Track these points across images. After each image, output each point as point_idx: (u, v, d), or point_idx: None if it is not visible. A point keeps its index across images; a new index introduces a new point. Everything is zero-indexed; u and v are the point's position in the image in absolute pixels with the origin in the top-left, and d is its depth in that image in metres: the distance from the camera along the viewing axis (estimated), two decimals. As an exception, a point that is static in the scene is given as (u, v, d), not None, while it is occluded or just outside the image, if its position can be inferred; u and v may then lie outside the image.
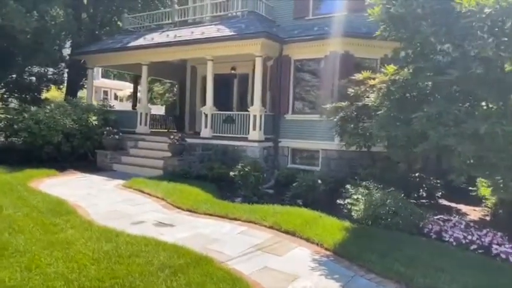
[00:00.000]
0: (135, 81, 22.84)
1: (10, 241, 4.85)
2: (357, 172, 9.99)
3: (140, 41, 13.69)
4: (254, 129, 11.33)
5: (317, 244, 5.91)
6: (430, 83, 6.68)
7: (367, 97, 8.26)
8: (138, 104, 15.17)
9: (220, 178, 10.38)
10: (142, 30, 15.09)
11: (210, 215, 7.36)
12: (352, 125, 8.33)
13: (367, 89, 8.49)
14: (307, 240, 6.06)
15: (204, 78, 16.16)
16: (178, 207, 7.78)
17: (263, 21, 12.39)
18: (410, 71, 6.98)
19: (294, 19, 12.97)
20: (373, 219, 6.74)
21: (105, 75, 39.19)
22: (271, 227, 6.66)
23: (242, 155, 11.44)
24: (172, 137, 11.13)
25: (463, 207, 8.80)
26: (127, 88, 45.60)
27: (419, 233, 6.41)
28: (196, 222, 6.87)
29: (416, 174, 9.46)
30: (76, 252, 4.70)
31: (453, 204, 9.02)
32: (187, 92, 16.71)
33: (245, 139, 11.52)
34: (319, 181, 8.42)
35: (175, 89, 28.69)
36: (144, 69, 13.85)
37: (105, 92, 39.20)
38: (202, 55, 12.23)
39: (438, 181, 9.33)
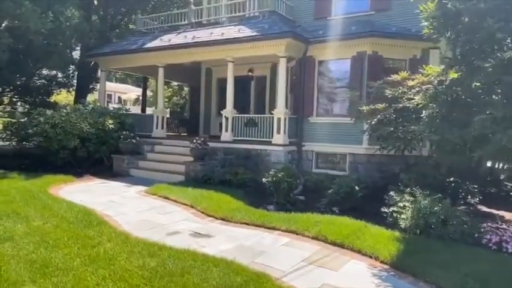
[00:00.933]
0: (145, 83, 22.56)
1: (48, 257, 4.42)
2: (387, 176, 9.59)
3: (156, 42, 13.31)
4: (278, 132, 10.92)
5: (370, 256, 5.49)
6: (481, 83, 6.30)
7: (407, 99, 7.85)
8: (153, 108, 14.74)
9: (244, 184, 9.98)
10: (157, 32, 14.70)
11: (246, 224, 6.93)
12: (391, 128, 7.90)
13: (406, 90, 8.07)
14: (359, 252, 5.64)
15: (220, 81, 15.88)
16: (211, 216, 7.36)
17: (285, 21, 12.02)
18: (460, 72, 6.57)
19: (314, 19, 12.61)
20: (422, 228, 6.32)
21: (107, 78, 38.86)
22: (315, 238, 6.23)
23: (265, 159, 11.04)
24: (195, 141, 10.71)
25: (506, 214, 8.38)
26: (131, 91, 45.25)
27: (476, 243, 5.98)
28: (234, 232, 6.44)
29: (451, 179, 9.05)
30: (122, 269, 4.27)
31: (494, 211, 8.59)
32: (202, 95, 16.34)
33: (268, 143, 11.10)
34: (357, 187, 7.98)
35: (183, 92, 28.36)
36: (160, 72, 13.46)
37: (109, 96, 38.79)
38: (223, 56, 11.84)
39: (475, 186, 8.92)
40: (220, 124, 15.90)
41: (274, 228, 6.68)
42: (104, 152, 12.17)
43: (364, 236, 6.15)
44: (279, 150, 10.86)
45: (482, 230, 6.18)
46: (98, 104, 14.53)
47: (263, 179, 8.35)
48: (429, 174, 8.39)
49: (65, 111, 11.42)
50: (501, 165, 6.06)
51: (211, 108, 16.03)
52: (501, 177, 9.61)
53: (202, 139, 10.76)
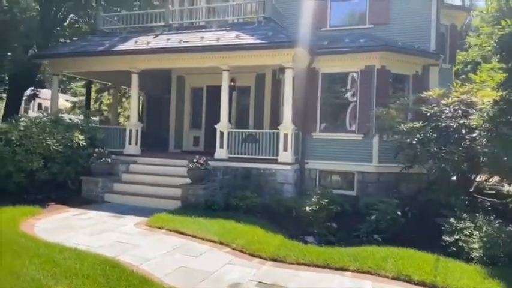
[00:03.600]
0: (88, 89, 19.94)
1: None
2: (401, 197, 9.14)
3: (130, 45, 11.46)
4: (285, 149, 9.92)
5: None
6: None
7: (448, 117, 7.49)
8: (127, 121, 12.68)
9: (254, 209, 8.81)
10: (125, 33, 12.74)
11: (305, 265, 5.82)
12: (435, 148, 7.42)
13: (443, 108, 7.71)
14: (458, 294, 4.92)
15: (195, 90, 14.42)
16: (256, 256, 6.08)
17: (282, 29, 11.15)
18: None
19: (308, 29, 11.89)
20: (500, 259, 5.85)
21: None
22: (396, 278, 5.40)
23: (270, 179, 9.99)
24: (195, 160, 9.20)
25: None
26: (60, 98, 40.30)
27: None
28: (304, 279, 5.30)
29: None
30: None
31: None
32: (173, 106, 14.64)
33: (273, 161, 10.04)
34: (399, 212, 7.34)
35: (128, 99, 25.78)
36: (135, 78, 11.61)
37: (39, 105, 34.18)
38: (217, 64, 10.53)
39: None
40: (195, 138, 14.57)
41: (342, 269, 5.70)
42: (68, 173, 9.97)
43: (450, 272, 5.46)
44: (286, 170, 9.86)
45: None
46: (44, 114, 11.88)
47: (306, 208, 7.25)
48: (455, 193, 8.09)
49: (23, 124, 9.06)
50: None
51: (184, 121, 14.39)
52: None
53: (204, 158, 9.29)
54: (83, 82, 30.36)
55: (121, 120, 29.61)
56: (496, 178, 9.64)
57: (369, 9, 11.52)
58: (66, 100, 39.98)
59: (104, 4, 17.41)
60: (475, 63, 35.34)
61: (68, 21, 17.62)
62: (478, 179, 9.79)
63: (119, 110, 30.18)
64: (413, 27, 10.92)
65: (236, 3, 12.17)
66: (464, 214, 6.81)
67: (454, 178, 9.40)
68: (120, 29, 13.12)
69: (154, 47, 10.91)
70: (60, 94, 37.62)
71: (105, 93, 26.89)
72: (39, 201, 9.04)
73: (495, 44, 6.38)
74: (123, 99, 26.86)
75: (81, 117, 20.74)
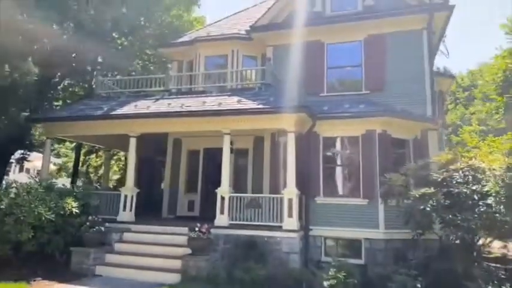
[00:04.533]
0: (78, 152, 19.60)
1: None
2: (410, 265, 8.72)
3: (130, 109, 11.39)
4: (290, 216, 9.54)
5: None
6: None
7: (459, 183, 7.40)
8: (123, 186, 12.15)
9: (259, 282, 8.20)
10: (124, 97, 12.73)
11: None
12: (449, 215, 7.21)
13: (453, 174, 7.65)
14: None
15: (191, 153, 14.21)
16: None
17: (282, 95, 11.31)
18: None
19: (306, 94, 12.15)
20: None
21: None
22: None
23: (275, 248, 9.45)
24: (197, 228, 8.71)
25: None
26: (36, 159, 39.53)
27: None
28: None
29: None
30: None
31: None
32: (168, 169, 14.29)
33: (277, 228, 9.60)
34: (419, 285, 6.90)
35: (120, 162, 25.30)
36: (133, 142, 11.36)
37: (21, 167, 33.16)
38: (219, 128, 10.47)
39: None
40: (190, 203, 14.03)
41: None
42: (57, 243, 9.25)
43: None
44: (292, 238, 9.40)
45: None
46: (36, 180, 11.33)
47: (324, 283, 6.74)
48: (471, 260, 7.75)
49: (14, 191, 8.52)
50: None
51: (179, 185, 13.95)
52: None
53: (206, 226, 8.81)
54: (68, 144, 30.12)
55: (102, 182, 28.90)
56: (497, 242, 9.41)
57: (364, 76, 11.93)
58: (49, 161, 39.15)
59: (100, 68, 17.74)
60: (455, 125, 36.90)
61: (62, 85, 17.73)
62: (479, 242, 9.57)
63: (100, 171, 29.54)
64: (409, 93, 11.25)
65: (235, 70, 12.49)
66: (490, 287, 6.42)
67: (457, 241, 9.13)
68: (118, 93, 13.13)
69: (157, 111, 10.86)
70: (42, 155, 36.82)
71: (93, 156, 26.41)
72: (24, 276, 8.31)
73: (503, 113, 6.54)
74: (111, 161, 26.42)
75: (68, 180, 20.11)
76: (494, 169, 7.46)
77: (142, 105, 11.52)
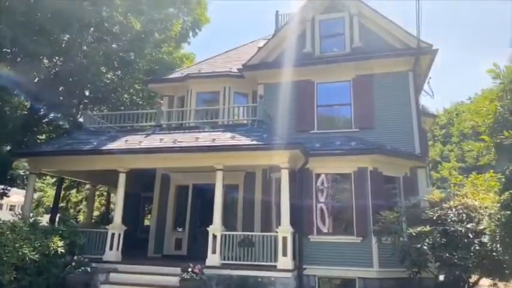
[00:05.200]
0: (59, 187, 18.99)
1: None
2: None
3: (121, 144, 11.22)
4: (285, 254, 9.35)
5: None
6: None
7: (454, 221, 7.50)
8: (110, 224, 11.71)
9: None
10: (113, 132, 12.59)
11: None
12: (446, 254, 7.24)
13: (448, 212, 7.77)
14: None
15: (179, 189, 13.95)
16: None
17: (274, 131, 11.45)
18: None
19: (296, 131, 12.36)
20: None
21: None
22: None
23: (268, 289, 9.16)
24: (190, 269, 8.40)
25: None
26: (13, 194, 38.01)
27: None
28: None
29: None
30: None
31: None
32: (155, 205, 13.95)
33: (271, 268, 9.36)
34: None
35: (102, 198, 24.56)
36: (122, 178, 11.12)
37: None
38: (212, 164, 10.38)
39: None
40: (177, 241, 13.61)
41: None
42: (39, 286, 8.70)
43: None
44: (287, 278, 9.17)
45: None
46: (19, 216, 10.84)
47: None
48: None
49: (-2, 229, 8.07)
50: None
51: (167, 222, 13.58)
52: None
53: (199, 266, 8.52)
54: (46, 178, 29.12)
55: (80, 217, 27.73)
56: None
57: (353, 115, 12.22)
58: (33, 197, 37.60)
59: (87, 102, 17.63)
60: (435, 162, 37.92)
61: (47, 118, 17.41)
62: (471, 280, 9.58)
63: (80, 207, 28.49)
64: (397, 131, 11.56)
65: (228, 107, 12.63)
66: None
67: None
68: (107, 127, 12.98)
69: (150, 146, 10.73)
70: (17, 190, 35.49)
71: (73, 191, 25.57)
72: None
73: (494, 152, 6.75)
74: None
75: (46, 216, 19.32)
76: (486, 207, 7.61)
77: (133, 140, 11.38)
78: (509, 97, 6.60)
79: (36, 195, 38.31)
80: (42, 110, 16.26)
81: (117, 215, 10.99)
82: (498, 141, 6.31)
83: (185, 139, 10.91)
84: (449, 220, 7.68)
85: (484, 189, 9.05)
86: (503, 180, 7.29)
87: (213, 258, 9.75)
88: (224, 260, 9.85)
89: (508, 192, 7.11)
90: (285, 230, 9.56)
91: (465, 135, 34.68)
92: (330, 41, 13.36)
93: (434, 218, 7.76)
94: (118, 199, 11.21)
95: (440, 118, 41.76)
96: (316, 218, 10.62)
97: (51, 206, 25.56)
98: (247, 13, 76.87)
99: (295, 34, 13.50)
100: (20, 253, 7.76)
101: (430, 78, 12.80)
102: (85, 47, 14.03)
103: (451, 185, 13.75)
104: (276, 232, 9.63)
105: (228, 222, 12.60)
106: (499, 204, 7.01)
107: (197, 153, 10.37)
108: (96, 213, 25.08)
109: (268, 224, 11.55)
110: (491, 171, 10.88)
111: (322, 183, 10.95)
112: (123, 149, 10.80)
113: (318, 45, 13.29)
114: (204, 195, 13.45)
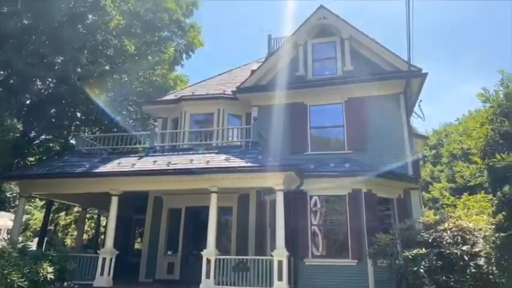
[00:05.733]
0: (48, 210, 18.65)
1: None
2: None
3: (114, 166, 11.12)
4: (280, 279, 9.20)
5: None
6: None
7: (450, 244, 7.51)
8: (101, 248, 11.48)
9: None
10: (105, 154, 12.48)
11: None
12: (443, 277, 7.21)
13: (443, 234, 7.79)
14: None
15: (172, 212, 13.78)
16: None
17: (269, 153, 11.48)
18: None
19: (290, 153, 12.40)
20: None
21: None
22: None
23: (264, 315, 8.98)
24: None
25: None
26: (4, 218, 37.29)
27: None
28: None
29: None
30: None
31: None
32: (147, 229, 13.70)
33: (266, 293, 9.21)
34: None
35: (92, 221, 24.09)
36: (114, 201, 10.98)
37: None
38: (207, 186, 10.33)
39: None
40: (169, 265, 13.33)
41: None
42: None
43: None
44: (283, 303, 9.01)
45: None
46: (6, 241, 10.59)
47: None
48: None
49: (-16, 256, 7.84)
50: None
51: (159, 245, 13.31)
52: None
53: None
54: (34, 201, 28.55)
55: (68, 241, 27.05)
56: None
57: (346, 136, 12.34)
58: (11, 219, 36.74)
59: (79, 123, 17.54)
60: (425, 182, 38.24)
61: (38, 140, 17.25)
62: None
63: (68, 230, 27.81)
64: (390, 153, 11.65)
65: (222, 128, 12.68)
66: None
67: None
68: (99, 149, 12.87)
69: (144, 168, 10.65)
70: (2, 213, 34.44)
71: (62, 214, 25.05)
72: None
73: (487, 174, 6.86)
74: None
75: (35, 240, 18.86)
76: (480, 229, 7.67)
77: (126, 162, 11.30)
78: (499, 120, 6.77)
79: (23, 218, 37.52)
80: (33, 132, 16.09)
81: (109, 239, 10.76)
82: (491, 163, 6.42)
83: (179, 161, 10.87)
84: (444, 242, 7.68)
85: (477, 210, 9.14)
86: (496, 202, 7.39)
87: (207, 283, 9.56)
88: (218, 284, 9.66)
89: (501, 214, 7.20)
90: (280, 253, 9.45)
91: (455, 155, 35.14)
92: (322, 64, 13.62)
93: (430, 240, 7.76)
94: (110, 222, 11.01)
95: (430, 139, 42.38)
96: (311, 241, 10.54)
97: (38, 229, 25.01)
98: (239, 36, 78.33)
99: (288, 57, 13.75)
100: (9, 280, 7.51)
101: (420, 101, 13.03)
102: (79, 69, 14.07)
103: (444, 206, 13.85)
104: (271, 255, 9.51)
105: (221, 245, 12.45)
106: (493, 226, 7.09)
107: (192, 175, 10.32)
108: (84, 236, 24.57)
109: (262, 246, 11.42)
110: (483, 192, 11.08)
111: (317, 205, 10.93)
112: (116, 172, 10.70)
113: (310, 68, 13.53)
114: (197, 217, 13.32)
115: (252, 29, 77.51)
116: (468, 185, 28.02)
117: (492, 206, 7.82)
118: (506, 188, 6.87)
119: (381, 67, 12.73)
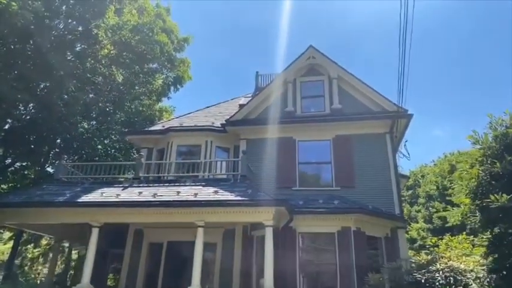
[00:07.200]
0: (17, 241, 17.62)
1: None
2: None
3: (96, 196, 10.68)
4: (271, 321, 8.82)
5: None
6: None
7: (440, 284, 7.45)
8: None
9: None
10: (87, 183, 12.02)
11: None
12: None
13: (435, 275, 7.72)
14: None
15: (153, 246, 13.18)
16: None
17: (258, 187, 11.33)
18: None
19: (278, 188, 12.30)
20: None
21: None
22: None
23: None
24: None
25: None
26: None
27: None
28: None
29: None
30: None
31: None
32: (126, 263, 13.01)
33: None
34: None
35: (62, 254, 22.74)
36: (95, 233, 10.41)
37: None
38: (193, 220, 10.00)
39: None
40: (150, 303, 12.60)
41: None
42: None
43: None
44: None
45: None
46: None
47: None
48: None
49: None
50: None
51: (137, 282, 12.60)
52: None
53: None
54: (1, 231, 26.89)
55: (32, 275, 25.36)
56: None
57: (334, 173, 12.40)
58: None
59: (59, 151, 16.99)
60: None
61: (14, 167, 16.51)
62: None
63: (36, 263, 26.19)
64: (377, 191, 11.77)
65: (210, 161, 12.52)
66: None
67: None
68: (81, 178, 12.40)
69: (129, 200, 10.27)
70: None
71: (30, 246, 23.61)
72: None
73: (480, 217, 6.98)
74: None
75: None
76: (472, 270, 7.66)
77: (110, 192, 10.88)
78: (489, 162, 6.98)
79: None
80: (9, 159, 15.43)
81: (86, 274, 10.09)
82: (484, 204, 6.54)
83: (166, 193, 10.56)
84: (437, 283, 7.59)
85: (458, 252, 9.20)
86: (486, 243, 7.48)
87: (190, 323, 9.04)
88: (203, 325, 9.14)
89: (491, 256, 7.27)
90: (270, 292, 9.11)
91: (431, 196, 35.83)
92: (311, 102, 13.90)
93: (423, 281, 7.66)
94: (88, 256, 10.37)
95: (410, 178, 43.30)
96: (299, 280, 10.24)
97: (1, 262, 23.41)
98: (227, 72, 79.76)
99: (278, 93, 14.00)
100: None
101: (406, 141, 13.39)
102: (65, 96, 13.80)
103: (425, 246, 13.80)
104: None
105: (204, 282, 11.93)
106: (485, 267, 7.11)
107: (179, 208, 10.00)
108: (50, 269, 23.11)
109: (247, 284, 11.01)
110: (464, 233, 11.20)
111: (306, 242, 10.75)
112: (101, 202, 10.27)
113: (299, 105, 13.78)
114: (180, 253, 12.77)
115: (239, 64, 79.26)
116: (446, 225, 28.53)
117: (482, 246, 7.90)
118: (496, 229, 6.99)
119: (368, 106, 13.09)
